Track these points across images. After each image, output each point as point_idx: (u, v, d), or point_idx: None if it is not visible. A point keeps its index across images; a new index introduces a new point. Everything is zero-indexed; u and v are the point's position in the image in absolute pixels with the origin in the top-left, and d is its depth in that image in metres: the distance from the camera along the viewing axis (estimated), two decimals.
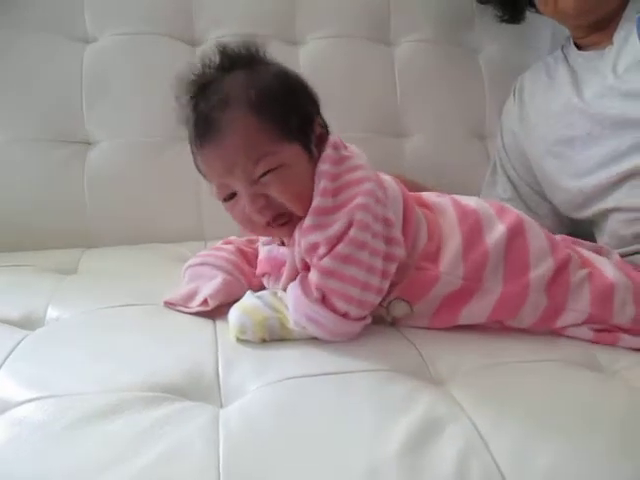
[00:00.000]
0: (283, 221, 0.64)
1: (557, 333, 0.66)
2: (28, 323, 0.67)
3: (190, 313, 0.67)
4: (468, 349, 0.62)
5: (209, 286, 0.69)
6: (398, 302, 0.65)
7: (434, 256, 0.65)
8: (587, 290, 0.65)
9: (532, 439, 0.46)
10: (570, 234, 0.94)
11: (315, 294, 0.58)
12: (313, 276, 0.59)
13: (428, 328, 0.66)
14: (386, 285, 0.61)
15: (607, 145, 0.88)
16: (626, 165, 0.85)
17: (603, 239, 0.92)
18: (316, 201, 0.61)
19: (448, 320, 0.65)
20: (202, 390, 0.53)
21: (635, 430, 0.49)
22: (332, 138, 0.67)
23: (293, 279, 0.63)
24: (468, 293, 0.64)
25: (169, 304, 0.69)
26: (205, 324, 0.65)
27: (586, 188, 0.91)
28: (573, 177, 0.93)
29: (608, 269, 0.69)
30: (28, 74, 1.05)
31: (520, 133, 1.05)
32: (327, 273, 0.58)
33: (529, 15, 1.15)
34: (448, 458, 0.44)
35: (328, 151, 0.65)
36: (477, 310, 0.65)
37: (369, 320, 0.62)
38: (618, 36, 0.93)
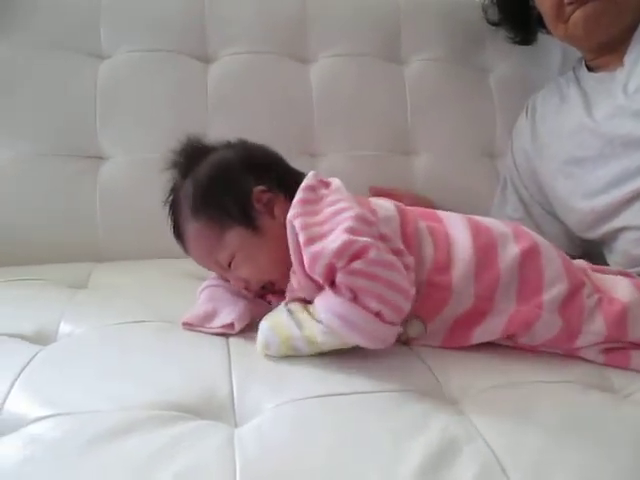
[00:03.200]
0: (272, 289, 0.72)
1: (570, 354, 0.65)
2: (41, 338, 0.67)
3: (210, 334, 0.67)
4: (482, 369, 0.61)
5: (234, 309, 0.68)
6: (414, 320, 0.64)
7: (445, 269, 0.65)
8: (600, 313, 0.65)
9: (548, 462, 0.46)
10: (582, 254, 0.94)
11: (346, 293, 0.56)
12: (341, 278, 0.57)
13: (441, 347, 0.65)
14: (413, 291, 0.59)
15: (618, 165, 0.89)
16: (637, 184, 0.86)
17: (614, 259, 0.93)
18: (301, 237, 0.60)
19: (461, 341, 0.65)
20: (216, 409, 0.53)
21: None
22: (306, 182, 0.68)
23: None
24: (480, 314, 0.64)
25: (187, 325, 0.68)
26: (219, 342, 0.65)
27: (597, 208, 0.91)
28: (584, 197, 0.93)
29: (620, 289, 0.68)
30: (43, 90, 1.06)
31: (532, 152, 1.06)
32: (355, 273, 0.56)
33: (540, 35, 1.16)
34: None
35: (298, 196, 0.66)
36: (489, 329, 0.64)
37: (400, 329, 0.60)
38: (629, 58, 0.93)
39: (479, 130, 1.21)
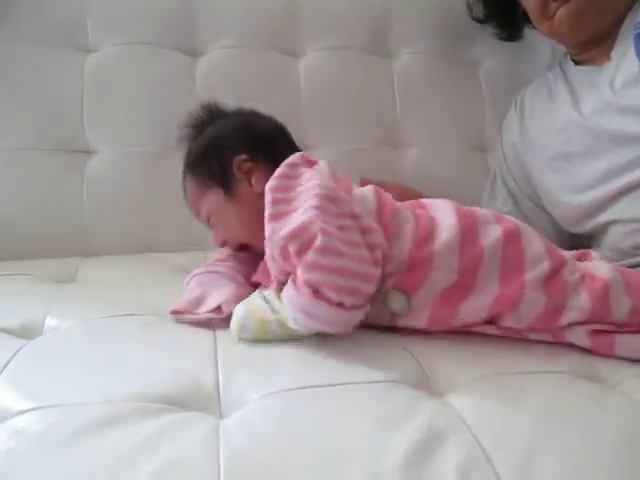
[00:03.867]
0: (249, 250, 0.79)
1: (558, 340, 0.65)
2: (26, 332, 0.67)
3: (199, 319, 0.67)
4: (468, 359, 0.61)
5: (222, 293, 0.69)
6: (395, 294, 0.64)
7: (426, 243, 0.65)
8: (584, 289, 0.65)
9: (534, 453, 0.46)
10: (570, 248, 0.95)
11: (305, 290, 0.57)
12: (299, 273, 0.58)
13: (428, 333, 0.65)
14: (376, 272, 0.60)
15: (606, 160, 0.89)
16: (625, 179, 0.86)
17: (602, 252, 0.92)
18: (267, 211, 0.63)
19: (447, 318, 0.64)
20: (202, 401, 0.52)
21: (636, 445, 0.48)
22: (291, 159, 0.70)
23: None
24: (465, 289, 0.64)
25: (175, 312, 0.68)
26: (205, 334, 0.64)
27: (585, 203, 0.91)
28: (573, 192, 0.94)
29: (599, 268, 0.69)
30: (29, 83, 1.06)
31: (520, 147, 1.06)
32: (310, 267, 0.57)
33: (529, 30, 1.16)
34: (449, 471, 0.43)
35: (278, 170, 0.68)
36: (475, 307, 0.64)
37: (367, 309, 0.61)
38: (616, 52, 0.93)
39: (468, 124, 1.21)
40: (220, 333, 0.65)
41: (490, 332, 0.66)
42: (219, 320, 0.67)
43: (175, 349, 0.61)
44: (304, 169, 0.69)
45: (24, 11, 1.08)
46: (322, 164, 0.71)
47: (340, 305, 0.57)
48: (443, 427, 0.48)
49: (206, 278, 0.74)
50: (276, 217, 0.62)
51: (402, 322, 0.65)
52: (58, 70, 1.08)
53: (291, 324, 0.60)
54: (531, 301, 0.64)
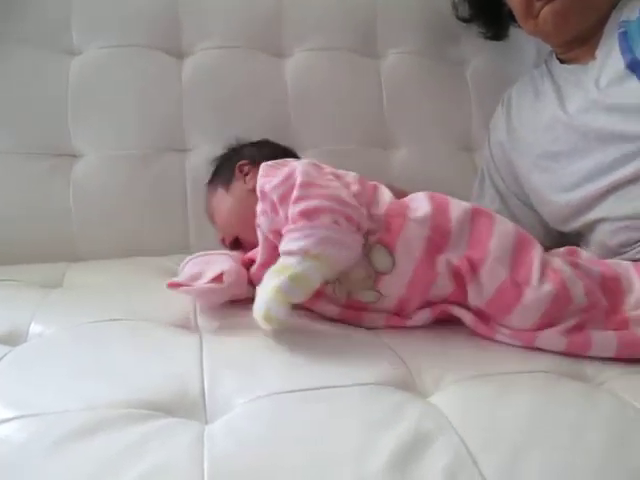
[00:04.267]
0: (242, 246, 0.88)
1: (527, 343, 0.65)
2: (11, 339, 0.66)
3: (200, 290, 0.69)
4: (453, 359, 0.61)
5: (223, 264, 0.71)
6: (379, 249, 0.67)
7: (401, 207, 0.71)
8: (548, 276, 0.66)
9: (520, 454, 0.45)
10: (558, 246, 0.95)
11: (301, 221, 0.63)
12: (289, 214, 0.64)
13: (411, 331, 0.67)
14: (359, 211, 0.66)
15: (593, 158, 0.89)
16: (611, 178, 0.86)
17: (590, 250, 0.93)
18: (259, 183, 0.71)
19: (428, 269, 0.67)
20: (187, 406, 0.52)
21: (623, 444, 0.48)
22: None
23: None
24: (438, 247, 0.68)
25: (173, 285, 0.69)
26: (191, 339, 0.64)
27: (573, 201, 0.92)
28: (560, 191, 0.94)
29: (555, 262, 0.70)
30: (13, 86, 1.05)
31: (508, 145, 1.06)
32: (297, 200, 0.64)
33: (514, 28, 1.16)
34: (436, 474, 0.43)
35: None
36: (447, 262, 0.67)
37: (362, 239, 0.66)
38: (601, 51, 0.94)
39: (456, 123, 1.21)
40: (206, 336, 0.65)
41: (466, 320, 0.67)
42: (220, 292, 0.68)
43: (161, 354, 0.61)
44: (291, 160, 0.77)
45: (6, 13, 1.07)
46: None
47: (337, 224, 0.63)
48: (430, 429, 0.48)
49: (202, 259, 0.76)
50: (265, 175, 0.70)
51: (386, 282, 0.67)
52: (42, 73, 1.06)
53: (297, 267, 0.60)
54: (492, 269, 0.66)
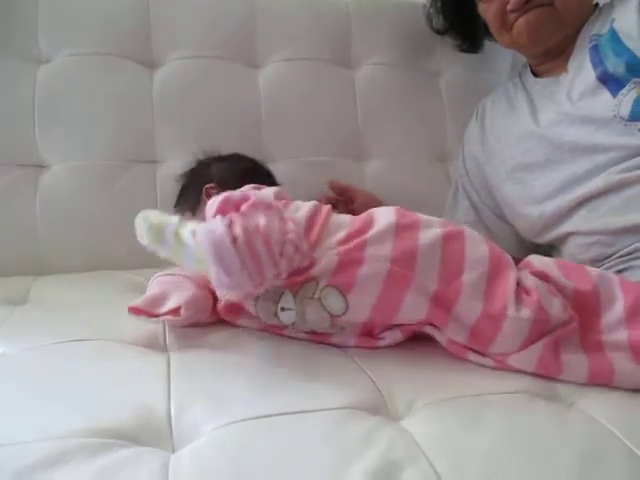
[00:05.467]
0: None
1: (499, 364, 0.63)
2: None
3: (156, 319, 0.67)
4: (427, 381, 0.60)
5: (182, 295, 0.68)
6: (330, 291, 0.64)
7: (357, 235, 0.66)
8: (522, 301, 0.64)
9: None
10: None
11: (226, 220, 0.58)
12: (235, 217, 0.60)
13: (383, 352, 0.65)
14: (283, 268, 0.61)
15: (565, 170, 0.90)
16: (583, 189, 0.87)
17: None
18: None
19: (387, 314, 0.64)
20: (153, 434, 0.50)
21: (593, 467, 0.48)
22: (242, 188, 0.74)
23: None
24: (403, 283, 0.63)
25: (133, 310, 0.67)
26: (159, 360, 0.62)
27: (545, 213, 0.92)
28: (533, 203, 0.94)
29: (524, 278, 0.67)
30: None
31: (481, 157, 1.06)
32: (245, 214, 0.60)
33: (489, 40, 1.17)
34: None
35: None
36: (415, 304, 0.64)
37: (261, 288, 0.61)
38: (572, 64, 0.95)
39: (430, 134, 1.21)
40: (175, 357, 0.63)
41: (439, 339, 0.65)
42: (179, 322, 0.67)
43: (126, 378, 0.59)
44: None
45: None
46: (270, 188, 0.73)
47: (234, 241, 0.57)
48: (400, 456, 0.47)
49: (168, 279, 0.74)
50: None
51: (343, 321, 0.65)
52: (7, 81, 1.04)
53: (186, 232, 0.60)
54: (466, 305, 0.63)
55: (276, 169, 1.08)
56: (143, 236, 0.63)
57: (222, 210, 0.61)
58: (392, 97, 1.20)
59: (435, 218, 0.71)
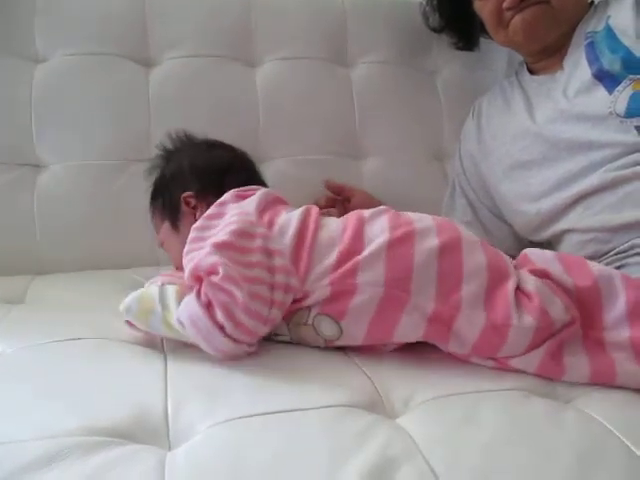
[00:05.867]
0: None
1: (501, 365, 0.63)
2: None
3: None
4: (423, 380, 0.60)
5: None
6: (323, 318, 0.64)
7: (347, 260, 0.64)
8: (522, 306, 0.63)
9: (486, 477, 0.45)
10: None
11: (202, 297, 0.59)
12: (204, 286, 0.60)
13: (380, 350, 0.65)
14: (276, 315, 0.62)
15: (561, 167, 0.90)
16: (579, 187, 0.87)
17: None
18: (185, 248, 0.67)
19: (382, 337, 0.64)
20: (149, 432, 0.50)
21: (589, 465, 0.48)
22: (222, 197, 0.74)
23: None
24: (398, 306, 0.62)
25: (130, 323, 0.67)
26: (156, 359, 0.62)
27: (542, 211, 0.92)
28: (529, 200, 0.94)
29: (526, 280, 0.66)
30: None
31: (478, 156, 1.06)
32: (213, 285, 0.59)
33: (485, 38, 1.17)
34: None
35: (207, 211, 0.73)
36: (411, 325, 0.63)
37: (252, 349, 0.62)
38: (568, 61, 0.95)
39: (427, 133, 1.21)
40: (172, 356, 0.63)
41: (440, 345, 0.65)
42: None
43: (123, 376, 0.59)
44: (231, 205, 0.72)
45: None
46: (253, 197, 0.73)
47: (221, 329, 0.58)
48: (397, 454, 0.47)
49: (166, 280, 0.71)
50: (187, 253, 0.66)
51: (339, 343, 0.65)
52: (4, 80, 1.04)
53: (174, 322, 0.61)
54: (469, 318, 0.62)
55: (273, 168, 1.09)
56: (130, 312, 0.65)
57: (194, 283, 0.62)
58: (389, 95, 1.20)
59: (430, 218, 0.70)
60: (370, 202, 1.03)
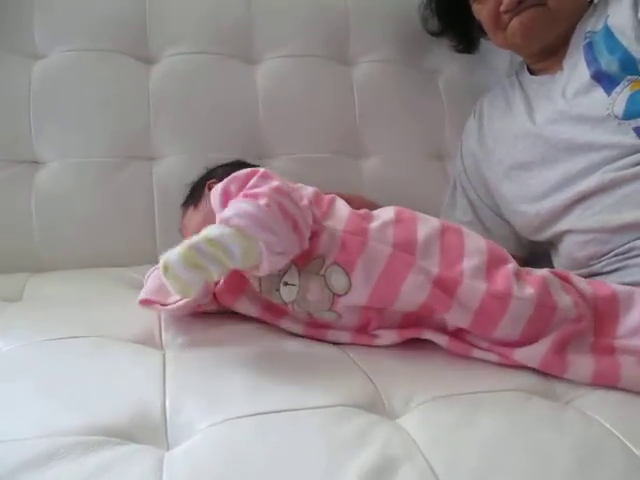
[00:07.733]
0: None
1: (504, 359, 0.64)
2: None
3: (176, 309, 0.67)
4: (425, 378, 0.60)
5: None
6: (335, 269, 0.65)
7: (362, 222, 0.70)
8: (526, 281, 0.64)
9: (485, 478, 0.45)
10: (529, 256, 0.95)
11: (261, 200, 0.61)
12: (264, 189, 0.63)
13: (379, 349, 0.65)
14: (302, 213, 0.64)
15: (561, 168, 0.90)
16: (578, 188, 0.87)
17: (559, 261, 0.94)
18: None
19: (388, 295, 0.64)
20: (148, 431, 0.50)
21: (588, 466, 0.48)
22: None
23: None
24: (405, 265, 0.64)
25: (145, 302, 0.68)
26: (154, 357, 0.62)
27: (542, 211, 0.92)
28: (530, 201, 0.94)
29: (534, 270, 0.70)
30: None
31: (479, 155, 1.06)
32: (275, 190, 0.63)
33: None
34: None
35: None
36: (417, 284, 0.64)
37: (298, 241, 0.63)
38: (567, 62, 0.95)
39: (428, 132, 1.21)
40: (170, 354, 0.63)
41: (439, 342, 0.65)
42: (189, 308, 0.68)
43: (121, 375, 0.59)
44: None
45: None
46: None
47: (268, 207, 0.60)
48: (397, 454, 0.47)
49: None
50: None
51: (343, 303, 0.65)
52: (2, 77, 1.03)
53: (214, 230, 0.58)
54: (470, 287, 0.63)
55: (273, 166, 1.08)
56: (179, 274, 0.58)
57: (227, 190, 0.66)
58: (390, 94, 1.19)
59: (432, 217, 0.74)
60: (369, 206, 1.02)
